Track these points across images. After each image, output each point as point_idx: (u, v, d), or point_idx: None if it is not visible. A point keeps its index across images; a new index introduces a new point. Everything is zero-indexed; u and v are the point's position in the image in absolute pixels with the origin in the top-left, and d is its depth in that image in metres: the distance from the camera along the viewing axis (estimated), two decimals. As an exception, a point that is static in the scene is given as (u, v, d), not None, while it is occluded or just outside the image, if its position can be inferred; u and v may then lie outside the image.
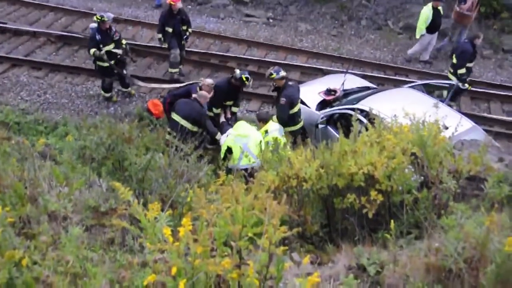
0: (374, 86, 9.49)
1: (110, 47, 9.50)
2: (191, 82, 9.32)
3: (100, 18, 9.29)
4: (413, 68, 12.12)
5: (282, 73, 7.89)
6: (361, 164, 3.75)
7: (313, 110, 8.46)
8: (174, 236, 2.24)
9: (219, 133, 7.61)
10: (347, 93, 8.67)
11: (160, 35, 10.28)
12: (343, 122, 7.53)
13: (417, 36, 12.01)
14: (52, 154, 4.82)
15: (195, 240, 2.14)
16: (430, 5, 11.63)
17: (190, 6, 14.83)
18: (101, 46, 9.30)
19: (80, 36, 11.88)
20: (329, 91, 8.60)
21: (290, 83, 8.21)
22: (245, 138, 6.85)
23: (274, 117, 7.74)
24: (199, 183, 4.26)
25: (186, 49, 10.99)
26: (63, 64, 11.17)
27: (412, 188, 3.76)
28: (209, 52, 12.00)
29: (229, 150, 6.88)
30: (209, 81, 8.27)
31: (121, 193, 2.66)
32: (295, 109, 7.91)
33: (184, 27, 10.28)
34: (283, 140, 6.73)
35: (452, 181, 3.56)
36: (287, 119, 7.75)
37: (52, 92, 10.50)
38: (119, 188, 2.67)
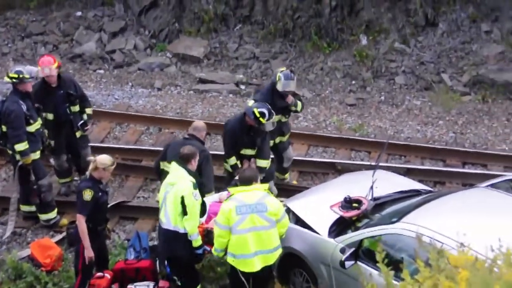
0: (427, 187, 9.66)
1: (37, 125, 9.96)
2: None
3: (17, 76, 9.68)
4: (494, 152, 12.42)
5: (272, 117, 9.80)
6: None
7: (324, 237, 8.51)
8: None
9: (213, 193, 9.12)
10: (380, 204, 8.73)
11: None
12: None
13: None
14: None
15: None
16: None
17: (101, 71, 15.47)
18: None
19: None
20: (348, 203, 8.58)
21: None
22: (170, 187, 8.24)
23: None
24: None
25: (95, 143, 11.20)
26: None
27: None
28: (139, 147, 12.33)
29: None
30: (105, 159, 8.64)
31: None
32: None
33: (75, 108, 10.52)
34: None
35: None
36: None
37: None
38: None
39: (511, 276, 4.15)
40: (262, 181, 9.32)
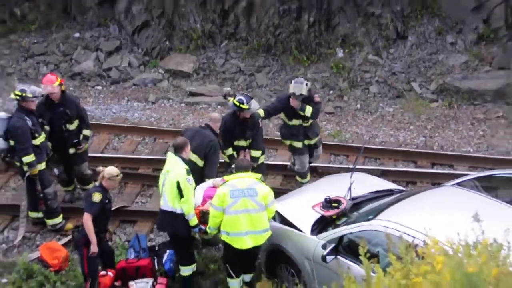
0: (400, 187, 10.05)
1: (42, 138, 10.27)
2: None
3: (20, 94, 9.97)
4: (460, 153, 12.62)
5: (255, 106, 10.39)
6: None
7: (307, 235, 8.70)
8: None
9: (211, 179, 9.54)
10: (358, 203, 9.00)
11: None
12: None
13: None
14: None
15: None
16: None
17: (99, 87, 15.46)
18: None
19: None
20: (329, 203, 8.87)
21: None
22: (166, 174, 8.84)
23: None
24: None
25: (95, 154, 11.40)
26: None
27: None
28: (136, 157, 12.51)
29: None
30: (112, 169, 8.97)
31: None
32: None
33: (71, 126, 10.76)
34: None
35: None
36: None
37: None
38: None
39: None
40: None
